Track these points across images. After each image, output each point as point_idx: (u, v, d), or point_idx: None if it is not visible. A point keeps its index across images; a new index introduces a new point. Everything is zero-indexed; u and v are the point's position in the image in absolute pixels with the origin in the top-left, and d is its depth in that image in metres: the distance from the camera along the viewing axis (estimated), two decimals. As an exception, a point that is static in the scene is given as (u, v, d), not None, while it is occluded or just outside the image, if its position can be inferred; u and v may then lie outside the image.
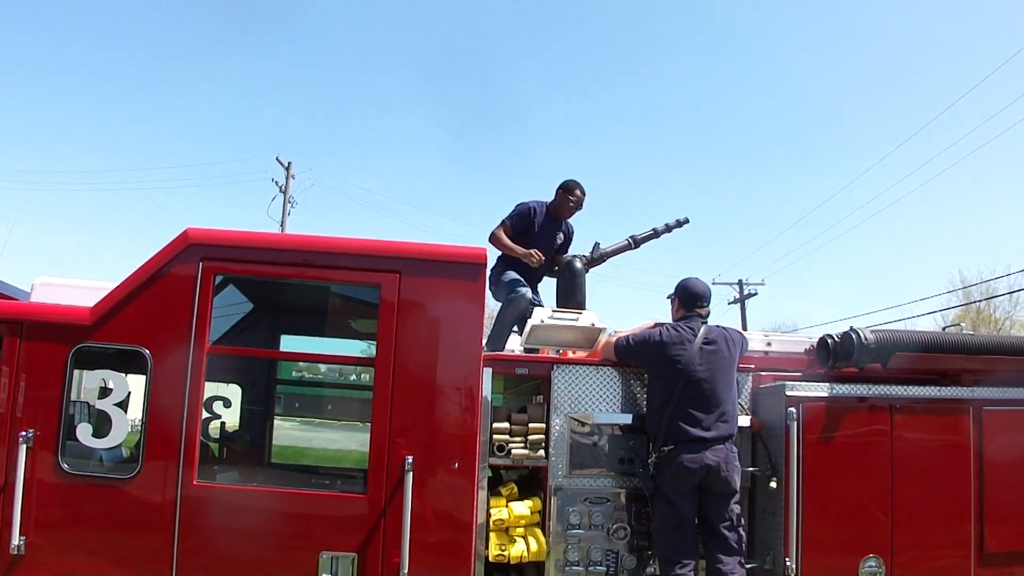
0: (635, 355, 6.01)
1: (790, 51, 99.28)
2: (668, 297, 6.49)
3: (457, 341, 5.54)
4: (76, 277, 6.18)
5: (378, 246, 5.61)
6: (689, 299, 6.25)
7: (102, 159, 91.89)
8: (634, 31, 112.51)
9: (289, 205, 38.71)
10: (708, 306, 6.30)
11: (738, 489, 5.73)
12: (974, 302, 45.35)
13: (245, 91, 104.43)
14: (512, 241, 7.26)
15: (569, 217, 7.72)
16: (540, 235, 7.45)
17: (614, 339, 6.11)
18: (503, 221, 7.41)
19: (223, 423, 7.04)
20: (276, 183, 38.76)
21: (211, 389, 7.01)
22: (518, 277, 7.17)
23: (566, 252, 7.68)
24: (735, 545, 5.67)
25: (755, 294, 44.59)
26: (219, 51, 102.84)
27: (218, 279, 5.62)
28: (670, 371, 5.82)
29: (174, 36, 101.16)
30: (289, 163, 39.01)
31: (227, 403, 6.97)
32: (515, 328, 7.10)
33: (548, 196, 7.58)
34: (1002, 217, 75.91)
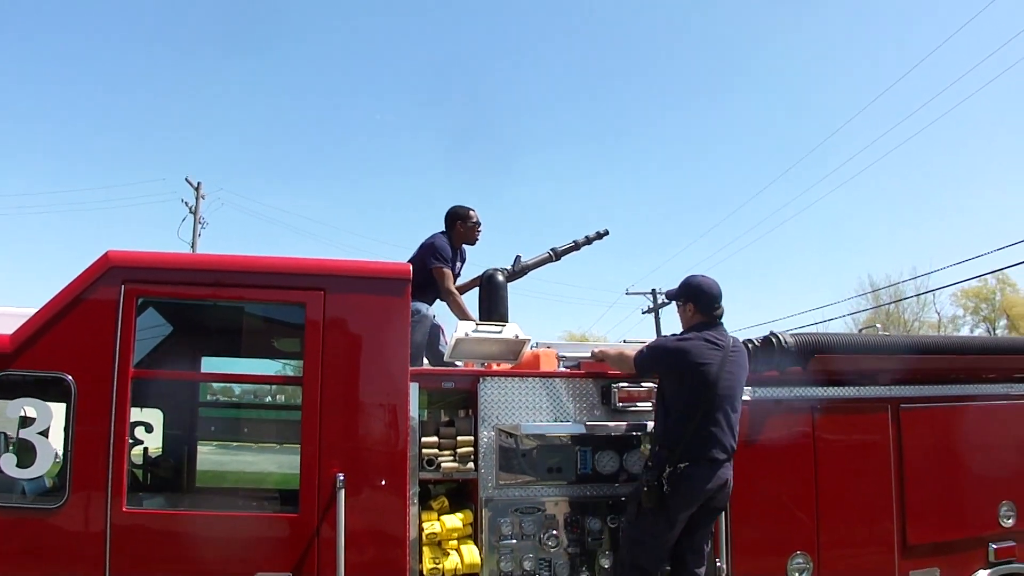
0: (658, 363, 6.05)
1: (701, 62, 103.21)
2: (671, 298, 6.55)
3: (384, 357, 5.82)
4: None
5: (302, 264, 5.88)
6: (707, 303, 6.14)
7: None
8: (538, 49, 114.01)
9: (200, 226, 39.34)
10: (722, 306, 6.20)
11: None
12: (884, 304, 47.81)
13: (152, 110, 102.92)
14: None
15: (475, 242, 8.12)
16: (452, 267, 7.87)
17: (631, 352, 6.16)
18: (444, 270, 7.65)
19: (146, 448, 7.21)
20: (186, 203, 39.48)
21: (133, 415, 7.25)
22: (418, 300, 7.37)
23: (459, 275, 8.13)
24: (705, 559, 5.95)
25: (669, 303, 45.86)
26: (126, 70, 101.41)
27: (139, 302, 5.81)
28: (697, 383, 5.81)
29: (78, 54, 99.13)
30: (199, 183, 39.78)
31: (148, 428, 7.17)
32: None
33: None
34: (906, 221, 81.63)
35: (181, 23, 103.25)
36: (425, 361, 7.51)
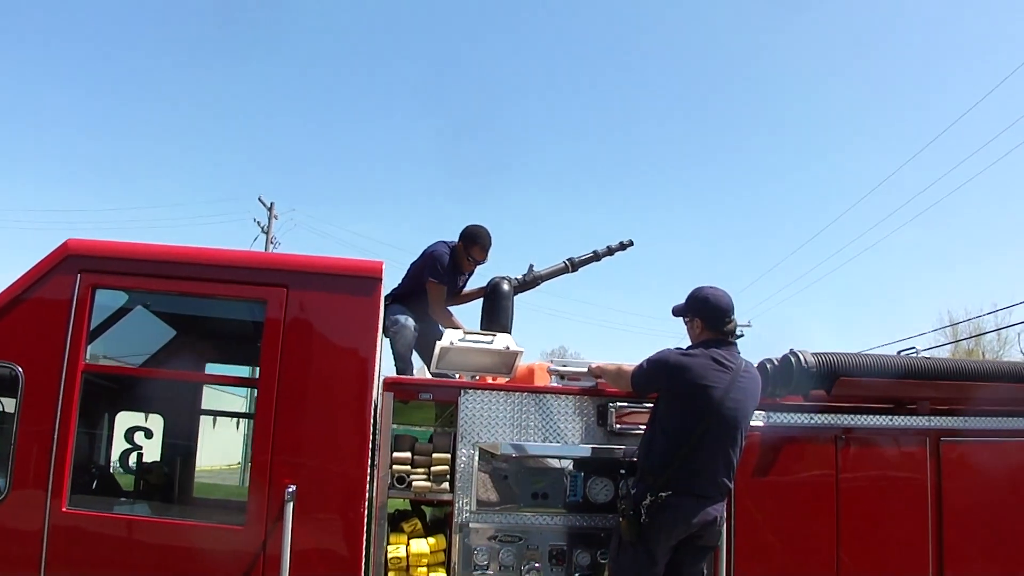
0: (656, 379, 5.48)
1: (769, 90, 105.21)
2: (676, 314, 5.88)
3: (349, 362, 5.51)
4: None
5: (263, 258, 5.69)
6: (715, 317, 5.57)
7: (82, 199, 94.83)
8: (617, 65, 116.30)
9: (272, 245, 40.73)
10: (735, 320, 5.67)
11: None
12: (962, 339, 46.85)
13: (227, 130, 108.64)
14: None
15: (463, 272, 7.57)
16: (449, 281, 7.37)
17: (630, 367, 5.64)
18: (438, 285, 7.22)
19: (140, 454, 7.10)
20: (258, 223, 41.11)
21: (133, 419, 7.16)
22: (401, 308, 7.10)
23: (464, 286, 7.69)
24: None
25: (742, 336, 45.76)
26: (199, 89, 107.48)
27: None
28: (696, 405, 5.24)
29: (151, 72, 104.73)
30: (272, 203, 41.49)
31: (148, 433, 7.05)
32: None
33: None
34: (987, 255, 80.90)
35: (257, 48, 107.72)
36: (425, 371, 7.14)
